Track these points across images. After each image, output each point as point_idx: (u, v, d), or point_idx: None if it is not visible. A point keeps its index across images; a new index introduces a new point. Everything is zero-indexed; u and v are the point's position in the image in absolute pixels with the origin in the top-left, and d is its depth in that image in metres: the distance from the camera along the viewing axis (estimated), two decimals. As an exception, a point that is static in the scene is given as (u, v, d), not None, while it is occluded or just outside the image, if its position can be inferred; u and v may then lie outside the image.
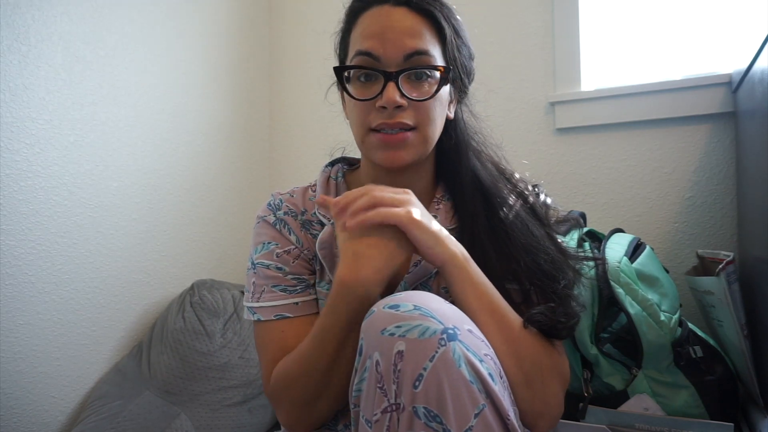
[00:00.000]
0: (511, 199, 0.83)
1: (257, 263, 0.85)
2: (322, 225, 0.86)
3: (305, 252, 0.86)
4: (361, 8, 0.80)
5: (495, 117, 1.71)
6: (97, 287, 1.43)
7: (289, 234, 0.86)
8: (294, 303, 0.82)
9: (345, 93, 0.80)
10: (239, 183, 1.95)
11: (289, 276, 0.84)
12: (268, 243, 0.85)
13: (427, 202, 0.87)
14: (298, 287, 0.84)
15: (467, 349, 0.58)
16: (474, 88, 0.91)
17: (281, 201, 0.89)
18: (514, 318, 0.71)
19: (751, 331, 1.10)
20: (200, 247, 1.77)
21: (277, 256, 0.84)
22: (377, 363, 0.58)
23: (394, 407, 0.57)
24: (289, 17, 2.12)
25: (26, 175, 1.27)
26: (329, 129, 1.88)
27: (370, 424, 0.58)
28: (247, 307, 0.84)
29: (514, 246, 0.78)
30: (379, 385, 0.58)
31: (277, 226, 0.86)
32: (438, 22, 0.78)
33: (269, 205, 0.89)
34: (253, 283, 0.84)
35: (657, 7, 1.60)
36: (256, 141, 2.05)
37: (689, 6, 1.56)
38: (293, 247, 0.85)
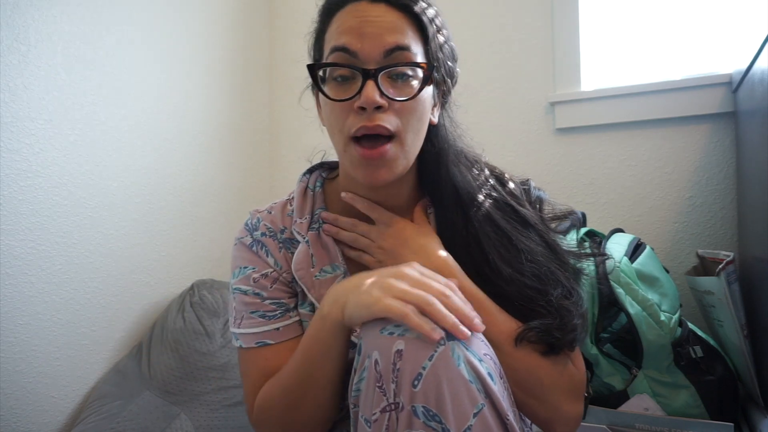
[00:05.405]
0: (492, 211, 0.78)
1: (235, 289, 0.82)
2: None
3: (284, 275, 0.82)
4: (336, 6, 0.74)
5: (495, 117, 1.73)
6: (97, 287, 1.43)
7: (267, 256, 0.82)
8: (275, 329, 0.80)
9: (321, 94, 0.74)
10: (239, 183, 1.95)
11: (268, 301, 0.80)
12: (245, 267, 0.82)
13: (412, 213, 0.84)
14: (277, 312, 0.80)
15: (466, 349, 0.58)
16: (462, 93, 0.86)
17: (259, 220, 0.85)
18: (497, 333, 0.69)
19: (751, 331, 1.10)
20: (200, 247, 1.77)
21: (254, 281, 0.81)
22: (376, 362, 0.58)
23: (393, 406, 0.57)
24: (288, 17, 2.12)
25: (26, 175, 1.27)
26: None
27: (369, 424, 0.58)
28: (231, 332, 0.82)
29: (491, 265, 0.74)
30: (378, 384, 0.58)
31: (254, 248, 0.83)
32: (419, 19, 0.73)
33: (246, 225, 0.85)
34: (234, 308, 0.82)
35: (657, 7, 1.60)
36: (256, 141, 2.05)
37: (689, 6, 1.56)
38: (271, 270, 0.82)
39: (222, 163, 1.88)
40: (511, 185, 0.85)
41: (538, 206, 0.84)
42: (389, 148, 0.71)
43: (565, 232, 0.86)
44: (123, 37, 1.51)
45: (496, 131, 1.72)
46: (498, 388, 0.59)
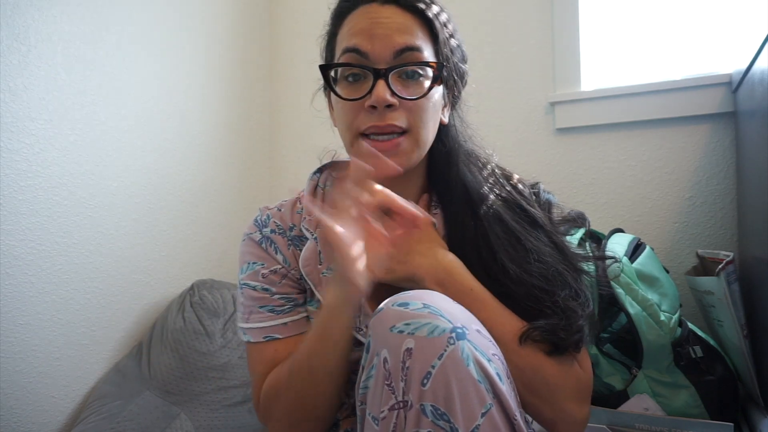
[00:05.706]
0: (501, 211, 0.79)
1: (243, 284, 0.82)
2: None
3: (293, 272, 0.82)
4: (347, 9, 0.76)
5: (495, 117, 1.73)
6: (97, 287, 1.42)
7: (276, 253, 0.82)
8: (283, 323, 0.80)
9: (333, 94, 0.76)
10: (239, 183, 1.95)
11: (276, 296, 0.81)
12: (253, 263, 0.82)
13: None
14: (286, 307, 0.81)
15: (475, 349, 0.58)
16: (468, 93, 0.86)
17: (268, 217, 0.85)
18: (502, 332, 0.69)
19: (751, 331, 1.11)
20: (200, 247, 1.76)
21: (263, 277, 0.81)
22: (385, 360, 0.58)
23: (401, 404, 0.57)
24: (288, 17, 2.12)
25: (26, 175, 1.26)
26: (331, 129, 1.87)
27: (376, 422, 0.58)
28: (239, 327, 0.82)
29: (499, 265, 0.74)
30: (387, 382, 0.58)
31: (263, 245, 0.83)
32: (429, 21, 0.74)
33: (256, 221, 0.86)
34: (242, 303, 0.82)
35: (657, 7, 1.60)
36: (256, 141, 2.05)
37: (689, 6, 1.56)
38: (279, 266, 0.82)
39: (222, 163, 1.87)
40: (521, 186, 0.85)
41: (546, 209, 0.84)
42: (402, 140, 0.73)
43: (567, 232, 0.86)
44: (123, 37, 1.51)
45: (496, 131, 1.72)
46: (506, 388, 0.59)
